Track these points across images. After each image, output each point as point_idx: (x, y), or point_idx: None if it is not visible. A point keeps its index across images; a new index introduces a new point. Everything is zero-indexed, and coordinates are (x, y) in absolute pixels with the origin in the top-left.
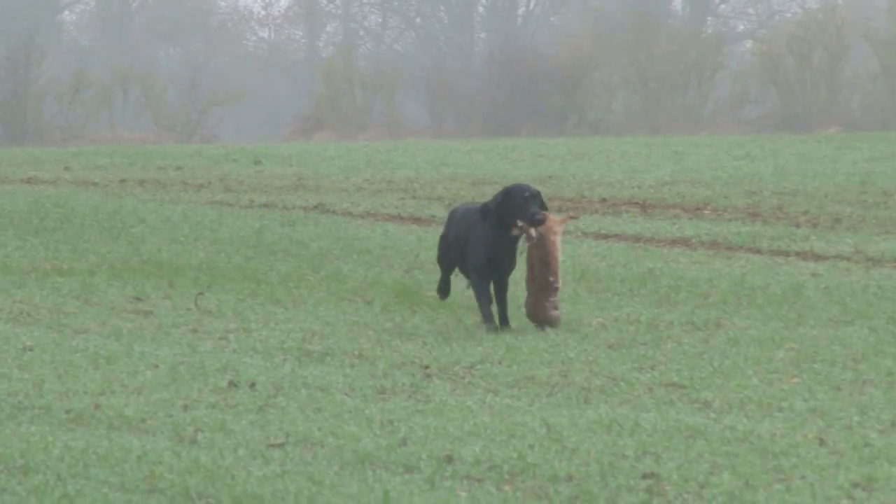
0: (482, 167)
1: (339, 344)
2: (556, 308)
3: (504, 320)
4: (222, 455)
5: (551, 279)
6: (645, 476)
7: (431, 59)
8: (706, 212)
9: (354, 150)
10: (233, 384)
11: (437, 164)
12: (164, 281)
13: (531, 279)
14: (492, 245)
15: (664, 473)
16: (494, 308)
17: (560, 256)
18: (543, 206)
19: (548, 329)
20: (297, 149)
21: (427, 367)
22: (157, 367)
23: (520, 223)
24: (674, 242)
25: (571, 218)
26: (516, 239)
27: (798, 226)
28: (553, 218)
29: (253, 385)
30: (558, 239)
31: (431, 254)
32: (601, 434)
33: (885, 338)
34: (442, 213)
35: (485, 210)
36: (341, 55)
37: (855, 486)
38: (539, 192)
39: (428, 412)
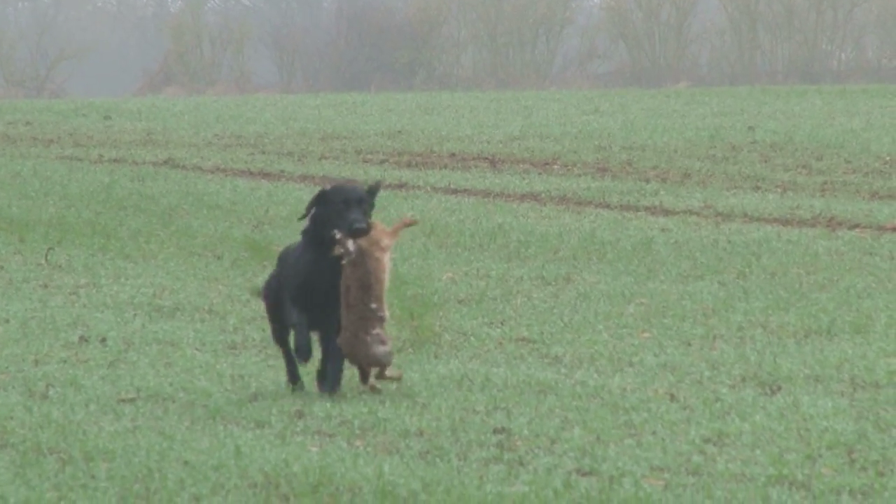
0: (331, 122)
1: (190, 299)
2: (382, 342)
3: (323, 378)
4: (73, 410)
5: (373, 306)
6: (496, 431)
7: (280, 14)
8: (555, 167)
9: (203, 106)
10: (84, 339)
11: (287, 120)
12: (14, 236)
13: (347, 307)
14: (309, 266)
15: (515, 428)
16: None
17: (387, 279)
18: (370, 212)
19: (376, 383)
20: (146, 104)
21: None
22: (7, 322)
23: (336, 235)
24: (523, 197)
25: (408, 225)
26: (337, 259)
27: (647, 181)
28: (382, 228)
29: (104, 340)
30: (386, 256)
31: (281, 209)
32: (452, 389)
33: (734, 293)
34: (291, 169)
35: (304, 232)
36: (190, 10)
37: (706, 441)
38: (369, 195)
39: (279, 367)
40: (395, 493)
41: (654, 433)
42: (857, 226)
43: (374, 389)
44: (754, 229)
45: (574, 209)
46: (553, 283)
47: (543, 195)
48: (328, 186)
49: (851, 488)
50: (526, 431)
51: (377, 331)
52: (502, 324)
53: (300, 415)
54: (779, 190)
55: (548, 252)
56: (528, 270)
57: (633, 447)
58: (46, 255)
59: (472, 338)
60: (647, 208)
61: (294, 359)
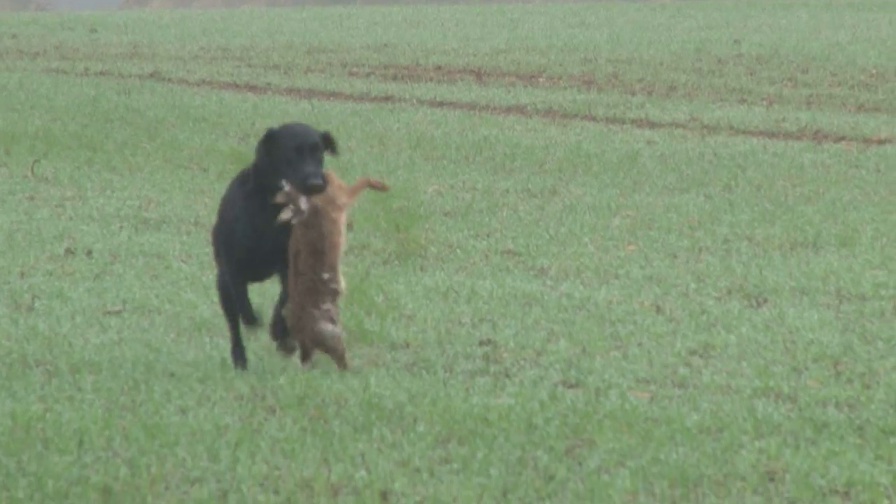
0: (317, 35)
1: (176, 211)
2: (332, 320)
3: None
4: (60, 322)
5: (325, 276)
6: (482, 343)
7: None
8: (541, 80)
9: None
10: (70, 252)
11: (273, 32)
12: (0, 149)
13: (295, 274)
14: (249, 220)
15: (501, 340)
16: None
17: (343, 243)
18: (322, 160)
19: (316, 361)
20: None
21: None
22: None
23: (285, 186)
24: (509, 110)
25: (373, 187)
26: (278, 209)
27: (633, 94)
28: (339, 183)
29: (90, 252)
30: (343, 218)
31: (267, 121)
32: (438, 302)
33: (720, 205)
34: (277, 81)
35: (243, 173)
36: None
37: (692, 353)
38: (323, 140)
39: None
40: (381, 406)
41: (639, 345)
42: (842, 138)
43: (345, 364)
44: (740, 142)
45: (560, 122)
46: (539, 195)
47: (529, 108)
48: (277, 128)
49: (837, 400)
50: (512, 343)
51: (327, 306)
52: (488, 236)
53: None
54: (764, 103)
55: (533, 165)
56: (514, 183)
57: (618, 359)
58: (32, 168)
59: (457, 250)
60: (633, 121)
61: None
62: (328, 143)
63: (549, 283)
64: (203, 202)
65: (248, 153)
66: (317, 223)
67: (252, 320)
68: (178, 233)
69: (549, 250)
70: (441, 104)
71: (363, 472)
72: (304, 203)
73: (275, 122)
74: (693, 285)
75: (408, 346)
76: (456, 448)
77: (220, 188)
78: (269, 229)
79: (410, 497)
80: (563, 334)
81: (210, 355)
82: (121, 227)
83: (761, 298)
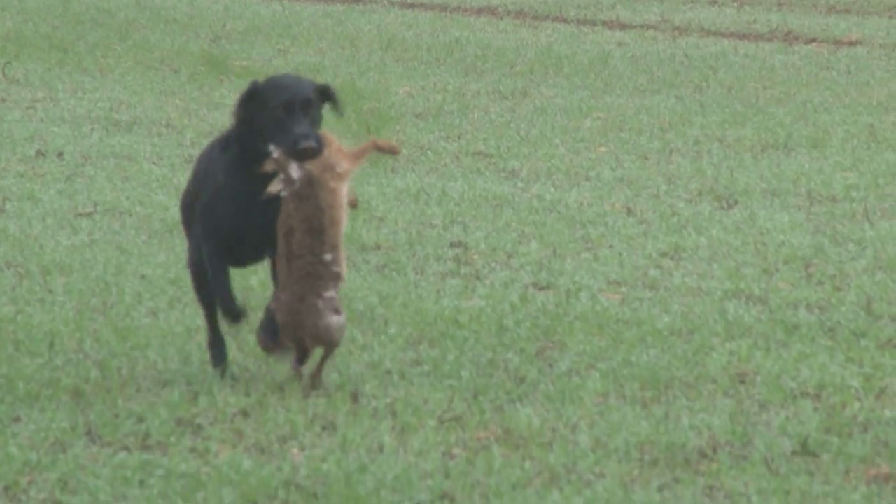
0: None
1: (147, 113)
2: (337, 311)
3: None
4: (31, 224)
5: (326, 258)
6: (453, 245)
7: None
8: None
9: None
10: (41, 153)
11: None
12: None
13: (288, 257)
14: (231, 193)
15: (472, 242)
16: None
17: (345, 217)
18: (319, 122)
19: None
20: None
21: None
22: None
23: (273, 152)
24: (480, 11)
25: (381, 150)
26: (268, 179)
27: None
28: (339, 146)
29: (61, 154)
30: (345, 188)
31: (238, 23)
32: (409, 203)
33: (691, 107)
34: None
35: (224, 137)
36: None
37: (663, 255)
38: (320, 94)
39: None
40: (352, 307)
41: (610, 247)
42: (813, 40)
43: (315, 383)
44: (711, 43)
45: (531, 23)
46: (510, 97)
47: (500, 9)
48: (261, 82)
49: (808, 302)
50: (483, 245)
51: (331, 293)
52: (459, 138)
53: None
54: (735, 4)
55: (504, 66)
56: (485, 85)
57: (589, 261)
58: (3, 70)
59: (428, 152)
60: (604, 22)
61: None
62: (326, 97)
63: (520, 184)
64: (174, 104)
65: (220, 55)
66: (312, 194)
67: (233, 311)
68: (149, 134)
69: (520, 152)
70: (412, 5)
71: (334, 375)
72: (295, 171)
73: (246, 24)
74: (664, 187)
75: (379, 247)
76: (427, 350)
77: (191, 90)
78: (257, 204)
79: (381, 399)
80: (534, 236)
81: (181, 257)
82: (92, 129)
83: (732, 200)
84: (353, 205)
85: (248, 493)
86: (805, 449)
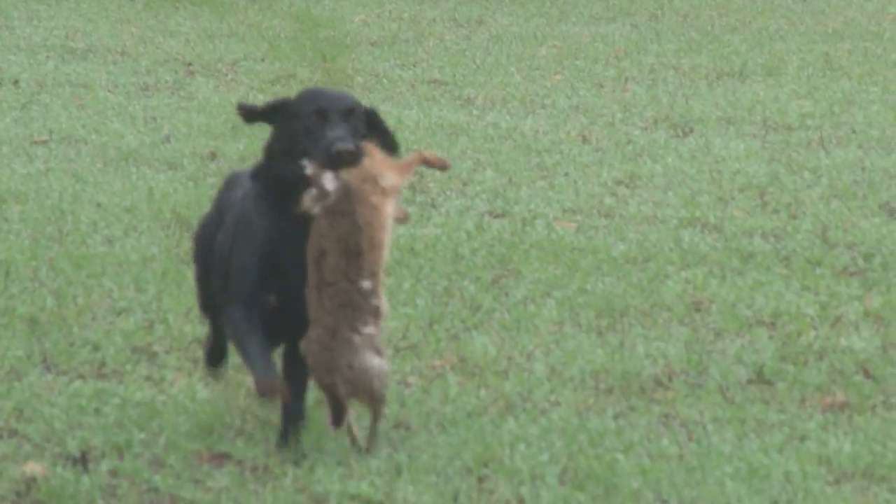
0: None
1: (103, 41)
2: (378, 350)
3: (298, 409)
4: None
5: (364, 285)
6: None
7: None
8: None
9: None
10: None
11: None
12: None
13: (319, 286)
14: (265, 239)
15: (427, 171)
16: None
17: (388, 241)
18: (361, 132)
19: (357, 426)
20: None
21: (190, 64)
22: None
23: (307, 167)
24: None
25: (433, 165)
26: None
27: None
28: (383, 158)
29: (16, 82)
30: (389, 206)
31: None
32: None
33: (647, 35)
34: None
35: (255, 168)
36: None
37: (618, 182)
38: (354, 107)
39: (191, 109)
40: None
41: (566, 175)
42: None
43: (354, 441)
44: None
45: None
46: (465, 24)
47: None
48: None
49: (764, 230)
50: (438, 173)
51: (370, 329)
52: (414, 66)
53: (212, 157)
54: None
55: None
56: (441, 12)
57: (545, 189)
58: None
59: (384, 80)
60: None
61: (219, 341)
62: (373, 122)
63: (475, 112)
64: (129, 31)
65: None
66: (349, 210)
67: (272, 390)
68: (105, 62)
69: (476, 80)
70: None
71: None
72: (329, 181)
73: None
74: (619, 115)
75: None
76: (383, 278)
77: (147, 17)
78: (297, 244)
79: None
80: (490, 164)
81: (136, 185)
82: (47, 57)
83: (687, 128)
84: (404, 220)
85: (203, 422)
86: (760, 377)
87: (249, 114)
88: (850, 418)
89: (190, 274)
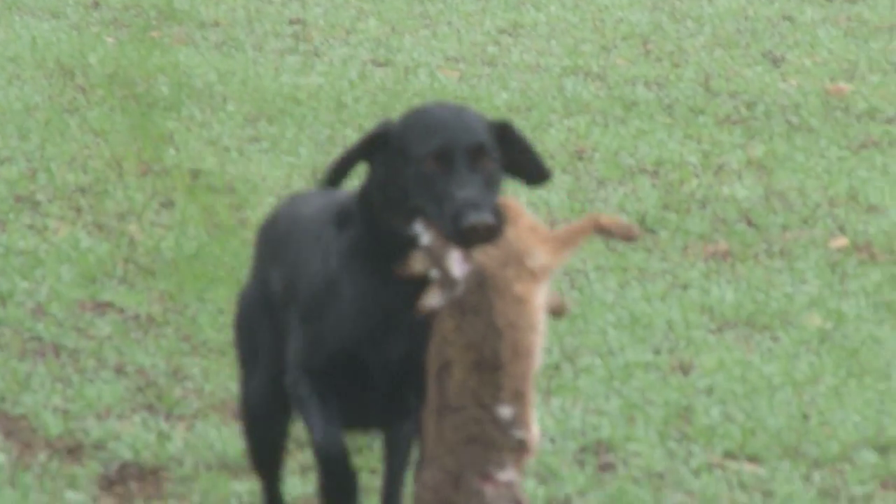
0: None
1: None
2: (516, 496)
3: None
4: None
5: (502, 413)
6: (292, 22)
7: None
8: None
9: None
10: None
11: None
12: None
13: (440, 409)
14: (352, 295)
15: (311, 19)
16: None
17: (540, 345)
18: (498, 183)
19: None
20: None
21: None
22: None
23: (421, 235)
24: None
25: (612, 234)
26: (417, 285)
27: None
28: (532, 224)
29: None
30: (541, 294)
31: None
32: None
33: None
34: None
35: (341, 213)
36: None
37: (501, 31)
38: (497, 135)
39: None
40: (191, 84)
41: (449, 24)
42: None
43: None
44: None
45: None
46: None
47: None
48: (397, 120)
49: (647, 79)
50: (321, 22)
51: (509, 475)
52: None
53: (96, 5)
54: None
55: None
56: None
57: (428, 38)
58: None
59: None
60: None
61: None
62: (507, 141)
63: None
64: None
65: None
66: (484, 305)
67: (343, 480)
68: None
69: None
70: None
71: (172, 151)
72: (457, 265)
73: None
74: None
75: (217, 24)
76: (266, 127)
77: None
78: (396, 320)
79: (219, 176)
80: (373, 13)
81: (20, 34)
82: None
83: None
84: (561, 312)
85: (86, 271)
86: (643, 225)
87: (342, 169)
88: (732, 266)
89: (73, 123)
